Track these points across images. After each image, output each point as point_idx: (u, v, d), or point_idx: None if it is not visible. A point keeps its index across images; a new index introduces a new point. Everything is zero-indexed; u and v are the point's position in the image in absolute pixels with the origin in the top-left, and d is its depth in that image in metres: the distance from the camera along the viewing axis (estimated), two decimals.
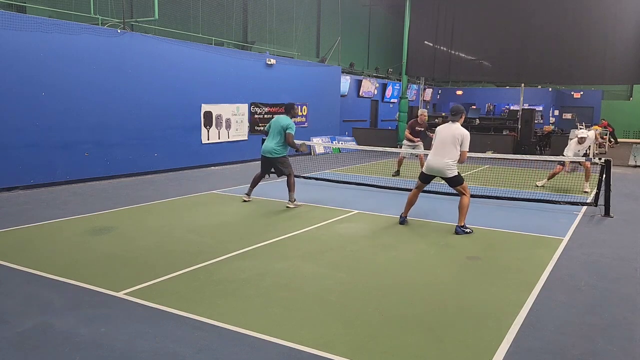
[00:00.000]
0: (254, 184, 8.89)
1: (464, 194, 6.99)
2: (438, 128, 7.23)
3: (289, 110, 8.61)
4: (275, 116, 8.75)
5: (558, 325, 4.06)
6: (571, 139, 11.08)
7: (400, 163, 12.71)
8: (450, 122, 7.11)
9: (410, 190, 8.63)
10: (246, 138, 14.88)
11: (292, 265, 5.43)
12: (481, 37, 18.81)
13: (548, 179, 11.08)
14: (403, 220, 7.39)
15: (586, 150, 11.07)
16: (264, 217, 7.79)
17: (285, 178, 8.72)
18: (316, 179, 11.36)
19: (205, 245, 6.11)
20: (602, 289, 4.93)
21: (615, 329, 4.03)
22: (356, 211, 8.25)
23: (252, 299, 4.48)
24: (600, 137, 19.55)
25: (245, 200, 8.77)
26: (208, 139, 13.59)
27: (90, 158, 10.69)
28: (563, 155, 10.39)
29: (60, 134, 10.09)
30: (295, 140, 8.41)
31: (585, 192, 10.40)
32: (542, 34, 17.70)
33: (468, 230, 6.88)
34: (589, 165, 10.36)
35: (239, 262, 5.48)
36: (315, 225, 7.23)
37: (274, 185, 10.73)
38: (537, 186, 10.95)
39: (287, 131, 8.25)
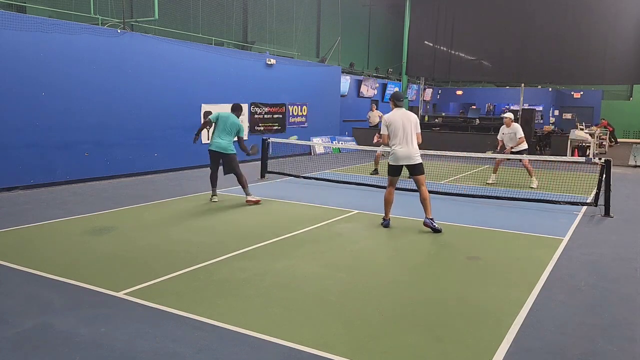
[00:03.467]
0: (214, 183, 8.95)
1: (423, 185, 7.06)
2: (391, 117, 7.08)
3: (236, 109, 8.77)
4: (225, 112, 8.71)
5: (558, 325, 4.06)
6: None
7: (377, 161, 12.88)
8: (397, 107, 7.14)
9: (410, 189, 8.65)
10: (246, 138, 14.75)
11: (292, 265, 5.43)
12: (481, 37, 18.81)
13: (494, 172, 11.70)
14: (387, 224, 7.22)
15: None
16: (263, 217, 7.79)
17: (224, 175, 8.92)
18: (316, 179, 11.36)
19: (205, 245, 6.11)
20: (602, 289, 4.93)
21: (615, 329, 4.03)
22: (356, 211, 8.25)
23: (252, 299, 4.48)
24: (600, 137, 19.55)
25: (214, 201, 8.84)
26: (208, 139, 13.55)
27: (90, 158, 10.69)
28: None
29: (60, 134, 10.09)
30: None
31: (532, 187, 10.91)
32: (542, 34, 17.70)
33: (436, 225, 6.87)
34: (527, 163, 11.17)
35: (239, 262, 5.48)
36: (315, 225, 7.23)
37: (274, 185, 10.74)
38: (532, 188, 10.91)
39: (240, 135, 8.59)
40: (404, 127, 6.99)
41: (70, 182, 10.30)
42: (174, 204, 8.64)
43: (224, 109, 13.91)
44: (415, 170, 7.06)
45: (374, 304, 4.41)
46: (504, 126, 11.64)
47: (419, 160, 7.06)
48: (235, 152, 8.68)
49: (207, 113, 13.44)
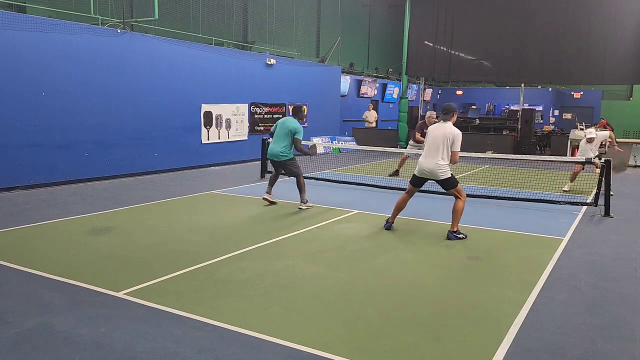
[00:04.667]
0: (272, 183, 8.73)
1: (459, 198, 6.72)
2: (430, 128, 6.98)
3: (297, 112, 8.53)
4: (283, 118, 8.64)
5: (558, 325, 4.06)
6: (578, 141, 10.88)
7: (402, 163, 12.55)
8: (441, 121, 6.85)
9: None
10: (246, 138, 14.88)
11: (292, 265, 5.43)
12: (481, 37, 18.81)
13: (571, 181, 10.77)
14: (389, 226, 7.06)
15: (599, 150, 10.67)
16: (264, 217, 7.79)
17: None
18: (316, 179, 11.35)
19: (205, 245, 6.11)
20: (602, 289, 4.93)
21: (615, 329, 4.03)
22: (356, 211, 8.25)
23: (252, 299, 4.48)
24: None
25: (266, 199, 8.54)
26: (208, 139, 13.59)
27: (90, 158, 10.68)
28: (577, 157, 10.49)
29: (60, 134, 10.09)
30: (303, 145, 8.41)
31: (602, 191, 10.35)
32: (542, 34, 17.70)
33: (461, 235, 6.65)
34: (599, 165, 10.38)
35: (239, 262, 5.48)
36: (315, 225, 7.23)
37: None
38: (564, 190, 10.60)
39: (296, 137, 8.22)
40: (434, 140, 6.70)
41: (70, 182, 10.30)
42: (174, 204, 8.63)
43: (224, 109, 14.03)
44: (445, 185, 6.78)
45: (374, 304, 4.41)
46: (584, 142, 10.63)
47: (445, 176, 6.66)
48: (291, 157, 8.38)
49: (208, 113, 13.47)
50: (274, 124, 8.65)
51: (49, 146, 9.94)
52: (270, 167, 11.80)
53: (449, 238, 6.63)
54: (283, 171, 8.59)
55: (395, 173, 12.39)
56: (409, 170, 12.09)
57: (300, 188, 8.41)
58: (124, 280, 4.83)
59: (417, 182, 6.99)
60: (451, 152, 6.67)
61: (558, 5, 17.49)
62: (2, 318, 3.99)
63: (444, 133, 6.69)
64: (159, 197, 9.20)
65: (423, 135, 11.85)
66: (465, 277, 5.21)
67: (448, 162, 6.70)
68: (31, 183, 9.68)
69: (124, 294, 4.51)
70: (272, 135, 8.60)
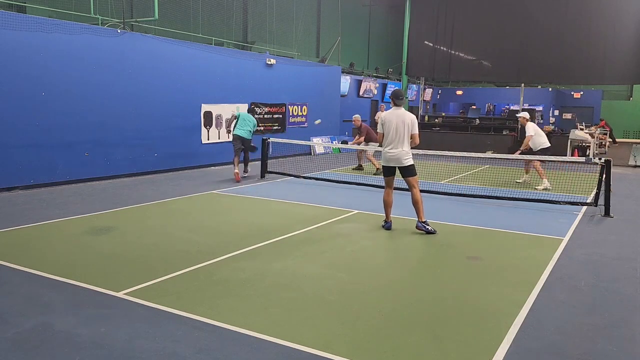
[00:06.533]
0: (236, 164, 11.31)
1: (415, 187, 6.90)
2: (386, 117, 6.94)
3: (252, 112, 12.30)
4: (244, 112, 11.75)
5: (558, 325, 4.06)
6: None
7: (360, 157, 13.68)
8: (394, 107, 6.94)
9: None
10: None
11: (292, 265, 5.43)
12: (481, 37, 18.82)
13: (542, 178, 10.87)
14: (389, 226, 7.09)
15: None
16: (263, 217, 7.79)
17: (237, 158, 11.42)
18: (316, 179, 11.36)
19: (205, 245, 6.11)
20: (602, 289, 4.93)
21: (615, 329, 4.03)
22: (356, 211, 8.25)
23: (252, 299, 4.48)
24: (599, 137, 19.53)
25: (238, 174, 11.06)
26: (208, 139, 13.59)
27: (90, 158, 10.68)
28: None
29: (60, 134, 10.09)
30: None
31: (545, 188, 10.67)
32: (542, 34, 17.71)
33: (430, 227, 6.78)
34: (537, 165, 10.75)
35: (239, 262, 5.48)
36: (315, 225, 7.23)
37: (274, 185, 10.74)
38: (536, 189, 10.82)
39: (257, 128, 11.86)
40: (396, 128, 6.82)
41: (70, 182, 10.30)
42: (174, 204, 8.64)
43: (224, 109, 14.05)
44: (405, 172, 6.93)
45: (374, 304, 4.41)
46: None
47: (409, 162, 6.88)
48: (251, 137, 11.60)
49: (208, 113, 13.48)
50: (237, 115, 11.54)
51: (49, 146, 9.94)
52: (270, 167, 11.96)
53: (418, 228, 6.83)
54: (244, 146, 11.50)
55: (359, 167, 13.47)
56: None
57: (247, 161, 11.81)
58: (124, 280, 4.83)
59: (389, 172, 7.10)
60: (412, 135, 6.90)
61: (558, 5, 17.50)
62: (2, 318, 3.99)
63: (403, 120, 6.86)
64: (159, 197, 9.20)
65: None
66: (465, 277, 5.21)
67: (410, 147, 6.92)
68: (31, 183, 9.68)
69: (124, 294, 4.51)
70: (235, 118, 11.59)
